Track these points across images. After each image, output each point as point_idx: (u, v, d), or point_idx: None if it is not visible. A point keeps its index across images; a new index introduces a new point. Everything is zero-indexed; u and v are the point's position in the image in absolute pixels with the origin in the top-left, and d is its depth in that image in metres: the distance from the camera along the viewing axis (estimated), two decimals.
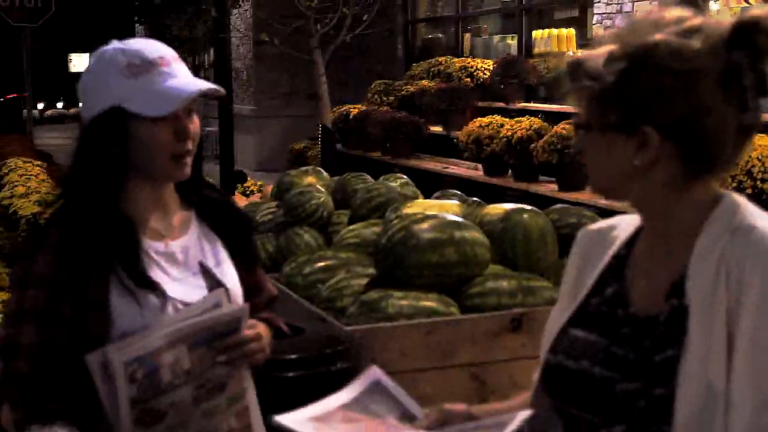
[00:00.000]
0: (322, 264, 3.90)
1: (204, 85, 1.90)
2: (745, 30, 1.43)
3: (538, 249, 3.88)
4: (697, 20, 1.46)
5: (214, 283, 1.96)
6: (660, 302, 1.50)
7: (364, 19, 9.82)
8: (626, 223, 1.65)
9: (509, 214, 3.95)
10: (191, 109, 1.92)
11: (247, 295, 2.09)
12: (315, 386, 3.18)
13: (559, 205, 4.34)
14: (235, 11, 15.66)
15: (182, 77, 1.90)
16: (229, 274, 2.01)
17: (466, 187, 8.89)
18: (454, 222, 3.68)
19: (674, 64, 1.42)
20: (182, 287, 1.92)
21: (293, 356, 3.06)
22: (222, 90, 1.97)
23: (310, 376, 3.07)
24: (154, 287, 1.86)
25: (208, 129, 18.85)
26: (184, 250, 1.97)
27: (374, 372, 1.82)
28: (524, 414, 1.60)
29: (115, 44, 1.94)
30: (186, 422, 1.85)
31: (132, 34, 24.24)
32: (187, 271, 1.95)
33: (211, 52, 14.30)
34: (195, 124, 1.93)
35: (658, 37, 1.44)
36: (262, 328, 2.02)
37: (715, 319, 1.39)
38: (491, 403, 1.88)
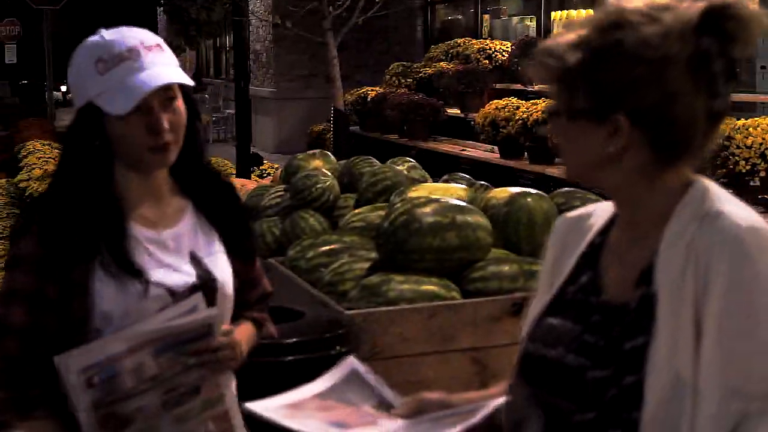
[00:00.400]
0: (325, 248, 3.90)
1: (166, 79, 1.86)
2: (715, 15, 1.41)
3: (542, 233, 3.85)
4: (667, 3, 1.44)
5: (203, 273, 1.96)
6: (630, 290, 1.49)
7: (376, 1, 9.77)
8: (602, 210, 1.64)
9: (513, 198, 3.93)
10: (171, 97, 1.90)
11: (242, 289, 2.09)
12: (314, 370, 3.19)
13: (565, 189, 4.31)
14: None
15: (151, 70, 1.86)
16: (220, 266, 2.00)
17: (481, 169, 8.87)
18: (457, 206, 3.67)
19: (643, 52, 1.41)
20: (169, 273, 1.92)
21: (292, 340, 3.07)
22: (190, 82, 1.94)
23: (309, 360, 3.07)
24: (136, 271, 1.86)
25: (227, 111, 18.91)
26: (176, 239, 1.96)
27: (351, 362, 1.82)
28: (497, 401, 1.60)
29: (94, 36, 1.92)
30: (155, 427, 1.85)
31: (154, 17, 24.29)
32: (178, 260, 1.94)
33: (232, 34, 14.29)
34: (176, 113, 1.90)
35: (627, 23, 1.43)
36: (240, 334, 2.01)
37: (683, 307, 1.38)
38: (488, 388, 1.88)
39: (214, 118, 19.41)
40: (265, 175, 9.92)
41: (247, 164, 9.66)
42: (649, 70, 1.41)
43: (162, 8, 19.91)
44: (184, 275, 1.93)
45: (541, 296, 1.66)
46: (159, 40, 1.95)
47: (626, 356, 1.45)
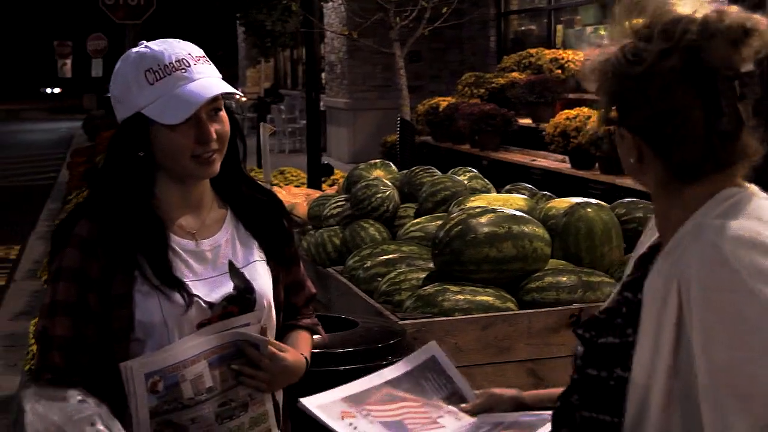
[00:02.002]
0: (383, 258, 3.92)
1: (217, 89, 1.89)
2: (709, 33, 1.37)
3: (602, 244, 3.82)
4: (667, 19, 1.41)
5: (241, 281, 1.97)
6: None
7: (443, 12, 9.77)
8: None
9: (573, 208, 3.89)
10: (217, 108, 1.93)
11: (288, 293, 2.11)
12: None
13: (627, 199, 4.26)
14: (329, 5, 15.79)
15: (201, 80, 1.89)
16: (259, 276, 2.00)
17: (551, 180, 8.79)
18: (513, 216, 3.64)
19: (627, 69, 1.41)
20: (208, 286, 1.93)
21: (344, 350, 3.08)
22: (240, 94, 1.98)
23: (361, 369, 3.07)
24: (175, 283, 1.89)
25: (303, 122, 19.07)
26: (214, 249, 1.98)
27: (432, 347, 1.82)
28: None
29: (139, 47, 1.95)
30: None
31: (233, 30, 24.65)
32: (215, 270, 1.96)
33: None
34: (222, 123, 1.93)
35: (631, 35, 1.44)
36: (302, 348, 2.04)
37: (666, 318, 1.37)
38: (545, 390, 1.89)
39: (290, 129, 19.62)
40: (336, 184, 9.97)
41: (317, 174, 9.73)
42: (639, 86, 1.41)
43: (238, 21, 20.21)
44: (221, 286, 1.94)
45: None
46: (203, 52, 1.99)
47: (595, 350, 1.50)
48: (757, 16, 1.40)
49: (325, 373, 3.14)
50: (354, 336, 3.20)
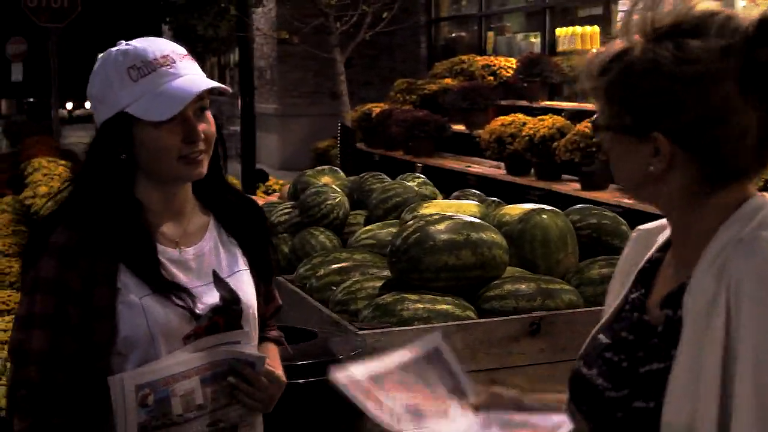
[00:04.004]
0: (336, 266, 3.84)
1: (205, 84, 1.81)
2: (765, 31, 1.32)
3: (557, 250, 3.80)
4: (717, 15, 1.35)
5: (226, 292, 1.89)
6: (659, 312, 1.43)
7: (383, 17, 9.75)
8: None
9: (528, 215, 3.87)
10: (203, 107, 1.84)
11: (261, 303, 2.04)
12: (327, 393, 3.13)
13: (579, 206, 4.25)
14: (258, 10, 15.66)
15: (187, 77, 1.81)
16: (244, 284, 1.94)
17: (488, 186, 8.80)
18: (471, 223, 3.60)
19: (679, 69, 1.32)
20: (191, 295, 1.85)
21: (304, 362, 2.99)
22: (228, 88, 1.90)
23: (322, 382, 2.99)
24: (179, 289, 1.80)
25: (232, 128, 18.89)
26: (198, 257, 1.89)
27: (436, 338, 1.78)
28: (565, 426, 1.55)
29: (119, 46, 1.86)
30: None
31: (159, 34, 24.29)
32: (200, 280, 1.88)
33: (237, 51, 14.31)
34: (208, 122, 1.85)
35: (669, 34, 1.35)
36: (276, 365, 1.99)
37: (710, 336, 1.29)
38: (543, 395, 1.82)
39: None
40: (270, 191, 9.87)
41: (252, 181, 9.62)
42: (688, 87, 1.33)
43: (167, 25, 19.91)
44: (206, 296, 1.86)
45: (606, 312, 1.61)
46: (186, 50, 1.90)
47: (639, 380, 1.40)
48: None
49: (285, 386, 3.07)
50: (314, 348, 3.12)
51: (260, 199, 6.59)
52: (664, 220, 1.57)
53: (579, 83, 1.47)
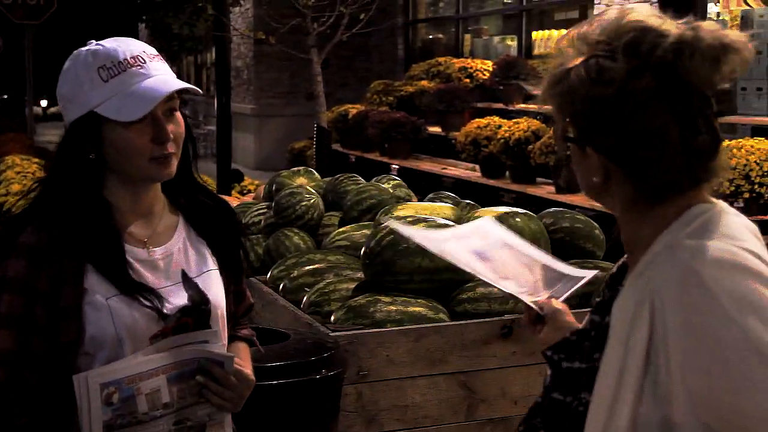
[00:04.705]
0: (310, 267, 3.84)
1: (176, 84, 1.81)
2: (684, 50, 1.32)
3: None
4: (634, 32, 1.35)
5: (195, 292, 1.89)
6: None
7: (361, 18, 9.75)
8: None
9: (502, 218, 3.87)
10: (173, 108, 1.84)
11: (231, 302, 2.03)
12: (299, 394, 3.13)
13: (553, 209, 4.27)
14: (236, 10, 15.60)
15: (157, 77, 1.81)
16: (213, 286, 1.93)
17: (463, 188, 8.83)
18: (445, 225, 3.61)
19: (596, 90, 1.34)
20: (158, 295, 1.85)
21: (277, 363, 2.99)
22: (198, 89, 1.90)
23: (295, 384, 3.00)
24: (147, 290, 1.80)
25: (207, 128, 18.83)
26: (167, 258, 1.89)
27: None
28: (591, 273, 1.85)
29: (89, 45, 1.86)
30: None
31: (135, 32, 24.16)
32: (168, 280, 1.87)
33: (213, 51, 14.27)
34: (177, 123, 1.85)
35: (592, 55, 1.36)
36: (246, 363, 1.98)
37: (634, 341, 1.32)
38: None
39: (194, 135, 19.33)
40: (245, 191, 9.84)
41: (227, 181, 9.59)
42: (606, 108, 1.34)
43: (144, 23, 19.82)
44: (174, 296, 1.86)
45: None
46: (156, 51, 1.90)
47: (561, 374, 1.48)
48: (735, 33, 1.37)
49: (257, 388, 3.07)
50: (287, 349, 3.12)
51: (235, 200, 6.57)
52: None
53: (540, 92, 1.49)
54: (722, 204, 1.42)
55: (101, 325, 1.77)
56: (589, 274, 1.94)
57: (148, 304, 1.80)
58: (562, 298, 1.84)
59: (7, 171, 10.88)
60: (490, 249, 1.95)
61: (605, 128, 1.35)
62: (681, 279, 1.29)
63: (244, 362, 1.97)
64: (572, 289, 1.88)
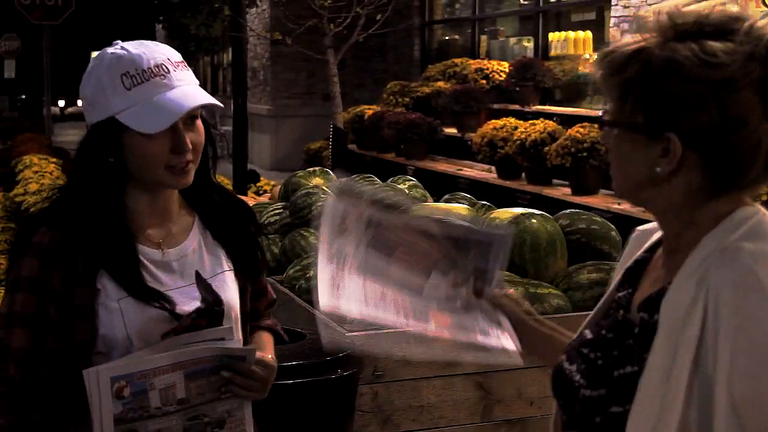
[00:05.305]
0: None
1: (199, 99, 1.81)
2: None
3: (546, 255, 3.81)
4: (742, 19, 1.33)
5: (208, 294, 1.90)
6: (637, 314, 1.44)
7: (377, 19, 9.75)
8: None
9: (518, 219, 3.88)
10: (194, 117, 1.85)
11: (253, 299, 2.05)
12: (315, 394, 3.15)
13: (569, 210, 4.26)
14: (252, 11, 15.65)
15: (180, 88, 1.81)
16: (227, 287, 1.94)
17: (478, 189, 8.84)
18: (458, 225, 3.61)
19: (704, 72, 1.30)
20: (175, 298, 1.86)
21: (293, 363, 3.00)
22: (219, 103, 1.91)
23: (311, 383, 3.01)
24: (157, 296, 1.81)
25: (224, 128, 18.89)
26: (181, 259, 1.90)
27: (504, 231, 1.75)
28: (508, 355, 1.65)
29: (114, 47, 1.86)
30: None
31: (152, 32, 24.26)
32: (183, 281, 1.89)
33: (230, 51, 14.32)
34: (197, 132, 1.86)
35: (693, 35, 1.32)
36: (269, 351, 2.00)
37: (684, 343, 1.29)
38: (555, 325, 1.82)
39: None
40: (261, 192, 9.87)
41: (243, 181, 9.62)
42: (710, 91, 1.30)
43: (161, 24, 19.91)
44: (189, 297, 1.87)
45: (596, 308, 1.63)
46: (181, 56, 1.90)
47: (614, 384, 1.40)
48: None
49: (274, 387, 3.08)
50: (302, 349, 3.13)
51: (251, 200, 6.59)
52: None
53: (592, 78, 1.46)
54: (762, 208, 1.41)
55: (112, 326, 1.79)
56: (497, 230, 1.74)
57: (158, 306, 1.82)
58: (494, 284, 1.71)
59: (25, 170, 10.95)
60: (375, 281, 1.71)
61: (698, 111, 1.31)
62: (740, 282, 1.27)
63: (265, 350, 2.00)
64: (495, 263, 1.70)
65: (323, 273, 1.72)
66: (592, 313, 1.61)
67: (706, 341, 1.28)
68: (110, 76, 1.81)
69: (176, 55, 1.87)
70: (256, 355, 1.87)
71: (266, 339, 2.10)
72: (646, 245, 1.55)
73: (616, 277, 1.63)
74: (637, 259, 1.55)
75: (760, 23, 1.33)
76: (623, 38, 1.40)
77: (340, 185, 1.77)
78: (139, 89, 1.79)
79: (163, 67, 1.81)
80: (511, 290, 1.77)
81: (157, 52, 1.84)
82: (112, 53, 1.84)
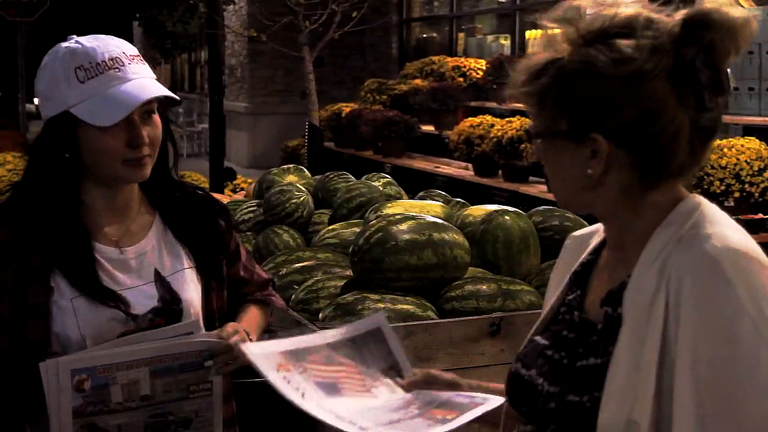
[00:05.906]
0: (299, 265, 3.82)
1: (153, 91, 1.80)
2: (696, 24, 1.35)
3: (519, 252, 3.81)
4: (641, 16, 1.37)
5: (166, 292, 1.89)
6: (600, 310, 1.45)
7: (353, 16, 9.74)
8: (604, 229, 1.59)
9: (490, 216, 3.87)
10: (150, 111, 1.83)
11: (235, 288, 2.05)
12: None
13: (542, 207, 4.26)
14: (230, 8, 15.60)
15: (135, 81, 1.80)
16: (186, 285, 1.93)
17: (456, 187, 8.84)
18: (434, 224, 3.60)
19: (614, 69, 1.34)
20: (132, 297, 1.85)
21: None
22: (175, 96, 1.89)
23: None
24: (111, 297, 1.80)
25: (201, 126, 18.82)
26: (139, 257, 1.89)
27: (379, 318, 1.79)
28: (496, 401, 1.59)
29: (69, 42, 1.85)
30: None
31: (129, 29, 24.11)
32: (140, 279, 1.87)
33: (207, 48, 14.26)
34: (154, 126, 1.84)
35: (599, 37, 1.37)
36: (248, 322, 2.00)
37: (650, 332, 1.31)
38: (480, 381, 1.85)
39: (187, 133, 19.34)
40: (238, 189, 9.83)
41: (220, 179, 9.58)
42: (623, 86, 1.34)
43: (137, 21, 19.81)
44: (146, 297, 1.85)
45: (541, 316, 1.64)
46: (136, 50, 1.89)
47: (574, 375, 1.42)
48: (744, 8, 1.38)
49: (244, 384, 3.06)
50: None
51: (226, 197, 6.56)
52: (595, 225, 1.62)
53: (508, 91, 1.50)
54: (704, 198, 1.44)
55: (66, 325, 1.78)
56: (374, 316, 1.79)
57: (113, 305, 1.80)
58: (409, 369, 1.72)
59: None
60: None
61: (617, 110, 1.35)
62: (700, 268, 1.29)
63: (244, 322, 1.99)
64: (397, 345, 1.74)
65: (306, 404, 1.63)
66: (537, 321, 1.62)
67: (669, 330, 1.29)
68: (64, 70, 1.79)
69: (131, 49, 1.86)
70: (227, 330, 1.85)
71: (250, 315, 2.07)
72: (590, 248, 1.58)
73: (554, 282, 1.65)
74: (583, 262, 1.57)
75: (656, 16, 1.37)
76: (535, 54, 1.44)
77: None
78: (93, 82, 1.78)
79: (118, 60, 1.80)
80: (423, 370, 1.78)
81: (111, 45, 1.83)
82: (66, 47, 1.83)
